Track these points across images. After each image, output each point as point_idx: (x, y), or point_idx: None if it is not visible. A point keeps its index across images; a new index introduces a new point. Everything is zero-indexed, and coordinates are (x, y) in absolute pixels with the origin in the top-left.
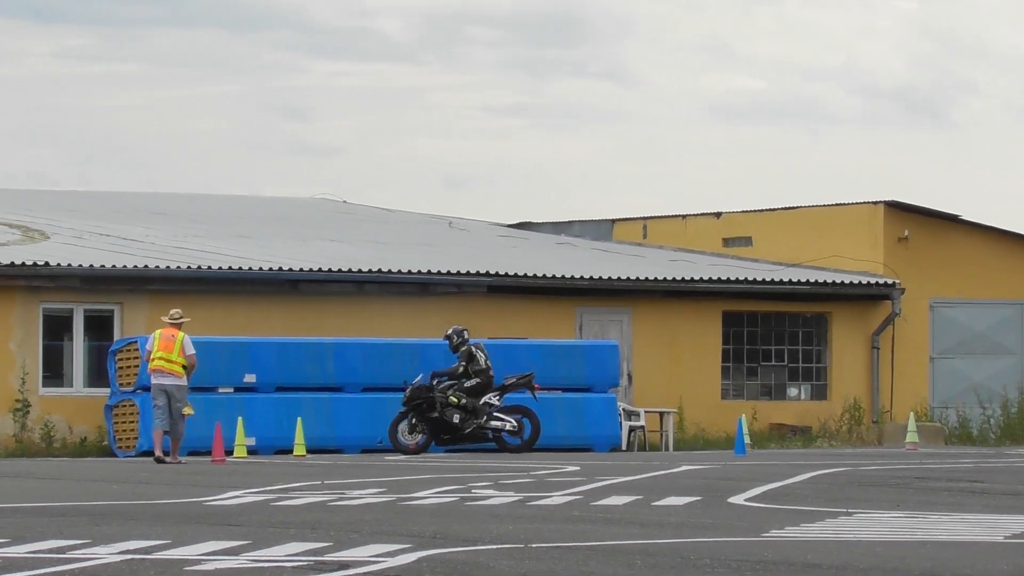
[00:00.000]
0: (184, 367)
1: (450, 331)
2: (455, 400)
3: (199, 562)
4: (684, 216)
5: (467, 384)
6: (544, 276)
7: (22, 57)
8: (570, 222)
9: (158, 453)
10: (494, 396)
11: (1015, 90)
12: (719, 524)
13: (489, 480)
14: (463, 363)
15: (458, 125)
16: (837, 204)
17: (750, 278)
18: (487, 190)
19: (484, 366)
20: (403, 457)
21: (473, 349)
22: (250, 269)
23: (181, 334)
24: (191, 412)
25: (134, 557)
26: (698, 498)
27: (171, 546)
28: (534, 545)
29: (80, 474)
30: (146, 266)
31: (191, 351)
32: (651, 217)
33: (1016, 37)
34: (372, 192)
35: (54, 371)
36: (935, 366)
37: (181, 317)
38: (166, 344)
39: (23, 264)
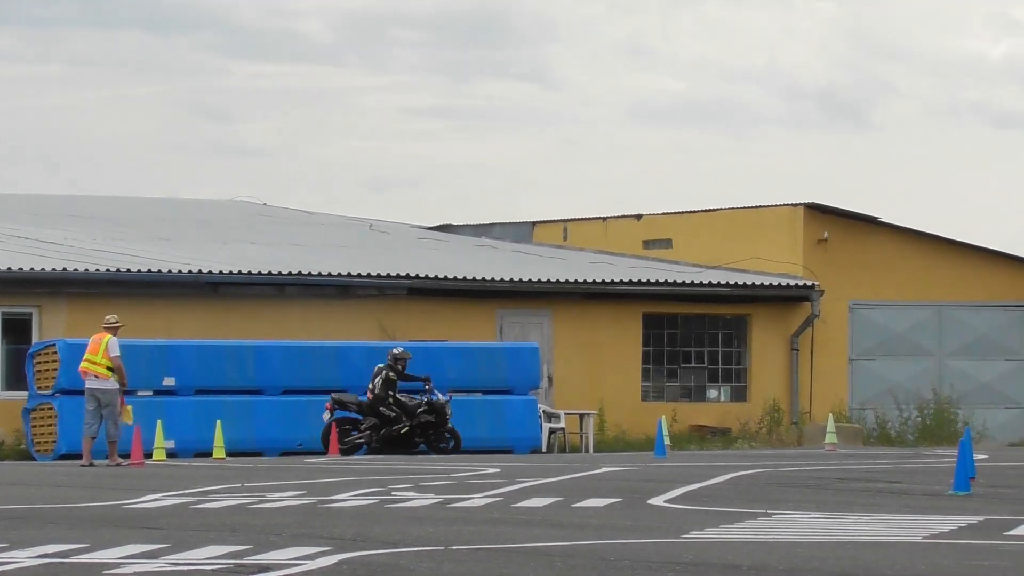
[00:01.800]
0: (110, 369)
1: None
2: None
3: (118, 566)
4: (604, 218)
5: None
6: (464, 278)
7: None
8: (491, 224)
9: (85, 461)
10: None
11: (935, 92)
12: (639, 526)
13: (409, 482)
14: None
15: (380, 127)
16: (757, 206)
17: (670, 280)
18: (409, 192)
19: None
20: (323, 459)
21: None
22: (169, 272)
23: (108, 336)
24: (129, 420)
25: (52, 561)
26: (618, 500)
27: (90, 550)
28: (454, 547)
29: None
30: (64, 269)
31: (115, 353)
32: (571, 219)
33: (936, 39)
34: (293, 194)
35: None
36: (854, 367)
37: (116, 323)
38: (93, 347)
39: None
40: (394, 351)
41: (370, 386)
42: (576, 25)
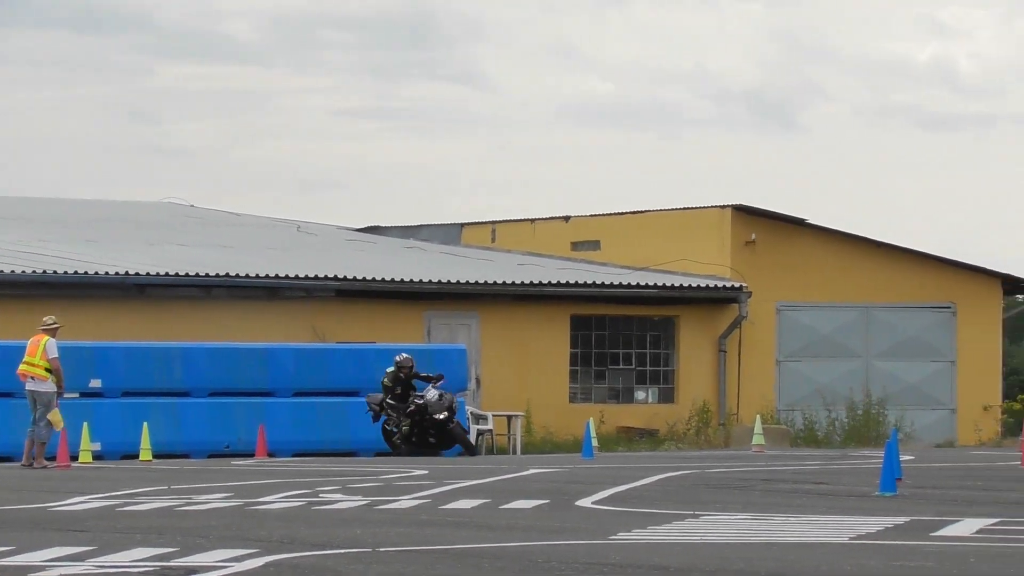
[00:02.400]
0: (47, 370)
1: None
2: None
3: (43, 568)
4: (533, 220)
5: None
6: (392, 280)
7: None
8: (419, 226)
9: (25, 461)
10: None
11: (863, 94)
12: (567, 527)
13: (337, 484)
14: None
15: (308, 128)
16: (685, 208)
17: (598, 282)
18: (337, 194)
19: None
20: (250, 462)
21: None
22: (97, 273)
23: (46, 338)
24: (59, 427)
25: None
26: (546, 501)
27: (15, 552)
28: (382, 549)
29: None
30: None
31: (53, 355)
32: (500, 221)
33: (864, 41)
34: (221, 196)
35: None
36: (781, 369)
37: (54, 323)
38: (31, 348)
39: None
40: (396, 357)
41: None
42: (505, 26)
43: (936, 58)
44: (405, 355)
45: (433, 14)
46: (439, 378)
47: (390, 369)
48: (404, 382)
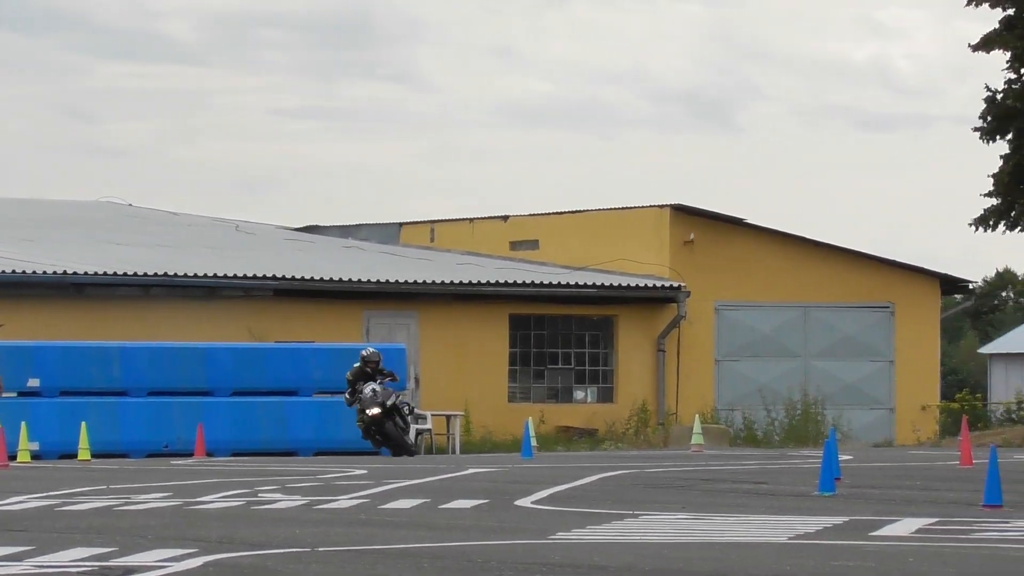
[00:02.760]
0: None
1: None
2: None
3: None
4: (471, 219)
5: None
6: (331, 279)
7: None
8: (358, 225)
9: None
10: None
11: (800, 94)
12: (506, 527)
13: (276, 484)
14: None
15: (247, 128)
16: (624, 207)
17: (537, 281)
18: (275, 193)
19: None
20: (189, 461)
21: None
22: (34, 273)
23: None
24: None
25: None
26: (485, 501)
27: None
28: (321, 549)
29: None
30: None
31: None
32: (438, 220)
33: (801, 41)
34: (160, 195)
35: None
36: (720, 368)
37: None
38: None
39: None
40: (362, 352)
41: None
42: (443, 26)
43: (873, 58)
44: (372, 350)
45: (371, 14)
46: (391, 376)
47: (356, 364)
48: (370, 377)
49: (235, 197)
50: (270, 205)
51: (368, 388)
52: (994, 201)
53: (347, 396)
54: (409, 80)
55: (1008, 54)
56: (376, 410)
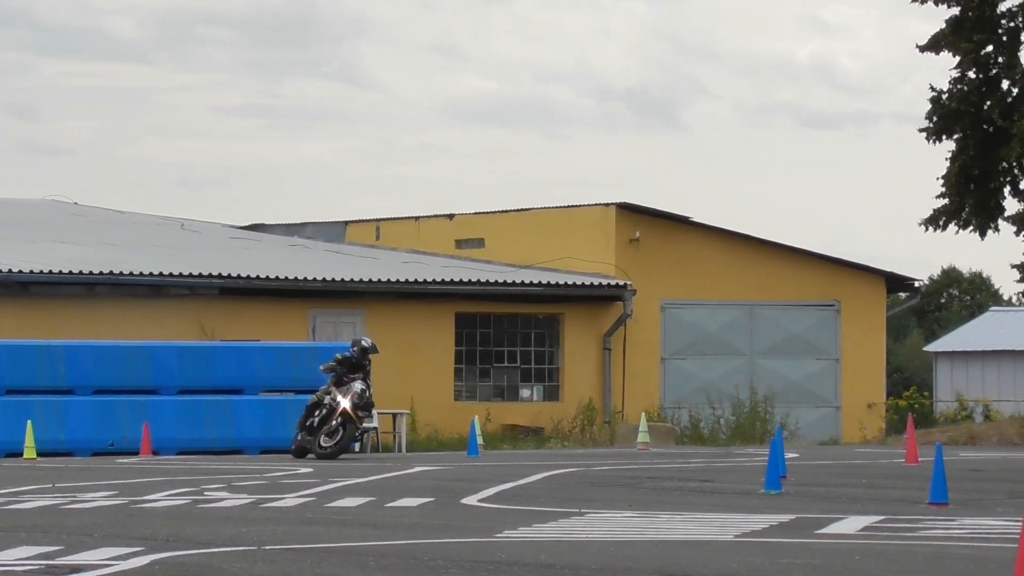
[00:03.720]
0: None
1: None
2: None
3: None
4: (417, 218)
5: None
6: (277, 278)
7: None
8: (303, 224)
9: None
10: None
11: (745, 92)
12: (452, 525)
13: (222, 482)
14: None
15: (191, 126)
16: (569, 206)
17: (483, 280)
18: (221, 191)
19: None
20: (135, 459)
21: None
22: None
23: None
24: None
25: None
26: (431, 499)
27: None
28: (267, 547)
29: None
30: None
31: None
32: (384, 219)
33: (746, 40)
34: (104, 193)
35: None
36: (666, 367)
37: None
38: None
39: None
40: (365, 342)
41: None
42: (386, 24)
43: (818, 56)
44: (371, 343)
45: (315, 12)
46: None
47: (353, 350)
48: (359, 369)
49: (180, 195)
50: (215, 203)
51: (358, 385)
52: (945, 201)
53: (333, 369)
54: (353, 78)
55: (957, 58)
56: (348, 407)
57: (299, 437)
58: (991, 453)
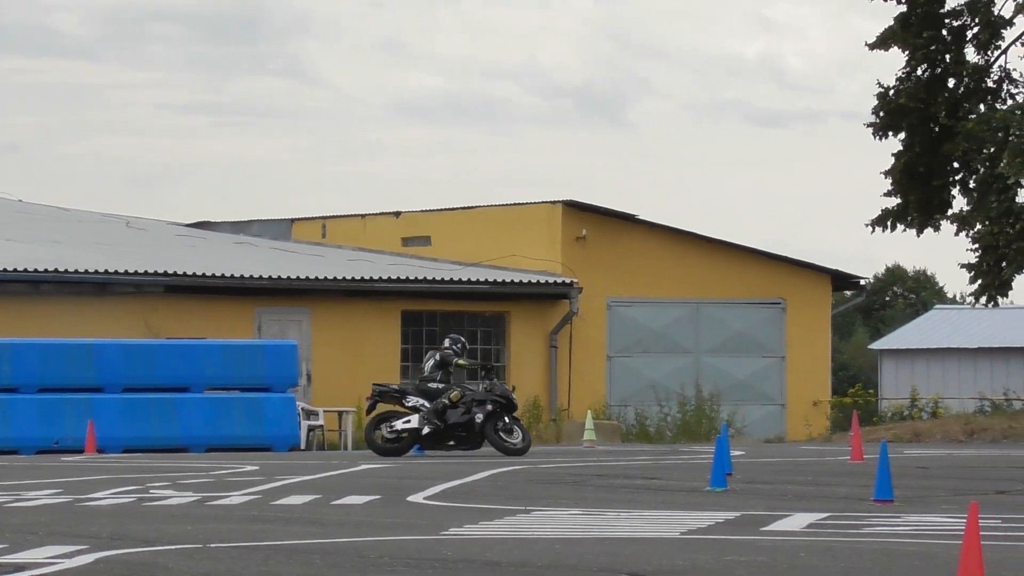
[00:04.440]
0: None
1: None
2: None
3: None
4: (363, 216)
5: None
6: (223, 276)
7: None
8: (249, 221)
9: None
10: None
11: (691, 90)
12: (399, 523)
13: (167, 480)
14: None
15: (137, 123)
16: (516, 204)
17: (429, 278)
18: (167, 189)
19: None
20: (80, 457)
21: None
22: None
23: None
24: None
25: None
26: (377, 497)
27: None
28: (213, 545)
29: None
30: None
31: None
32: (330, 216)
33: (692, 37)
34: (49, 190)
35: None
36: (612, 364)
37: None
38: None
39: None
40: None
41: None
42: (332, 21)
43: (765, 55)
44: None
45: (262, 9)
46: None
47: (446, 350)
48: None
49: (126, 193)
50: (161, 201)
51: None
52: (895, 200)
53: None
54: (299, 75)
55: (906, 55)
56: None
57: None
58: (936, 450)
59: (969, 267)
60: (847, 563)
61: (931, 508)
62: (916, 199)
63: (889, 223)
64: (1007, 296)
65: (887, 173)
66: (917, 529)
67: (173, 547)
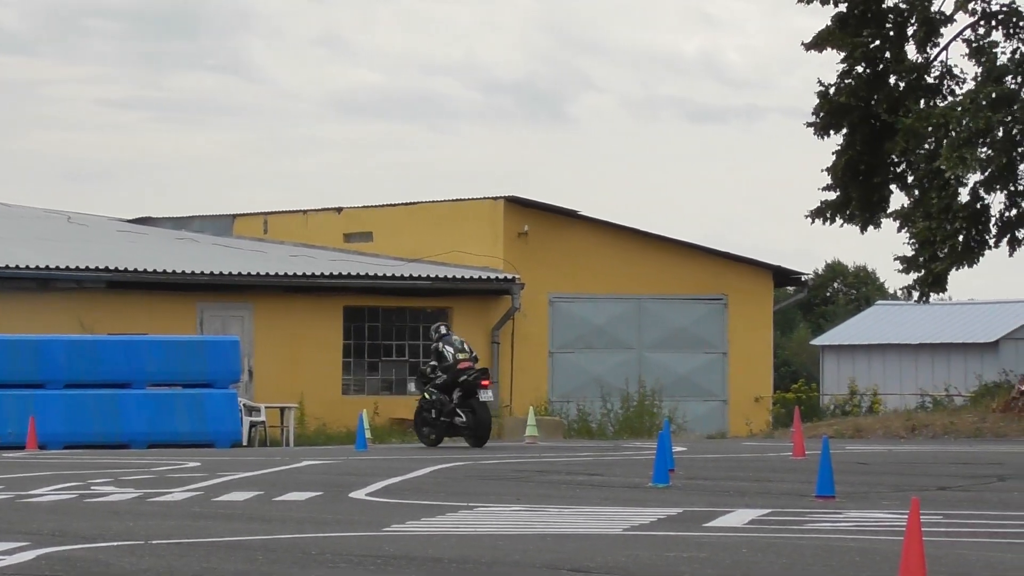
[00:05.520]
0: None
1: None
2: (427, 396)
3: None
4: (305, 211)
5: (437, 381)
6: (164, 271)
7: None
8: (190, 217)
9: None
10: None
11: (631, 85)
12: (341, 519)
13: (109, 477)
14: (432, 362)
15: (76, 118)
16: (458, 199)
17: (371, 273)
18: (107, 184)
19: (451, 362)
20: (21, 454)
21: (440, 346)
22: None
23: None
24: None
25: None
26: (320, 493)
27: None
28: (155, 542)
29: None
30: None
31: None
32: (272, 212)
33: (632, 33)
34: None
35: None
36: (554, 360)
37: None
38: None
39: None
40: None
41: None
42: (272, 17)
43: (703, 50)
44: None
45: (201, 4)
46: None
47: (456, 340)
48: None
49: (66, 188)
50: (101, 196)
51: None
52: (833, 195)
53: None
54: (239, 71)
55: (843, 54)
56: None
57: None
58: (877, 446)
59: (904, 260)
60: (789, 559)
61: (873, 504)
62: (858, 196)
63: (828, 215)
64: (943, 291)
65: (829, 171)
66: (859, 525)
67: (115, 543)
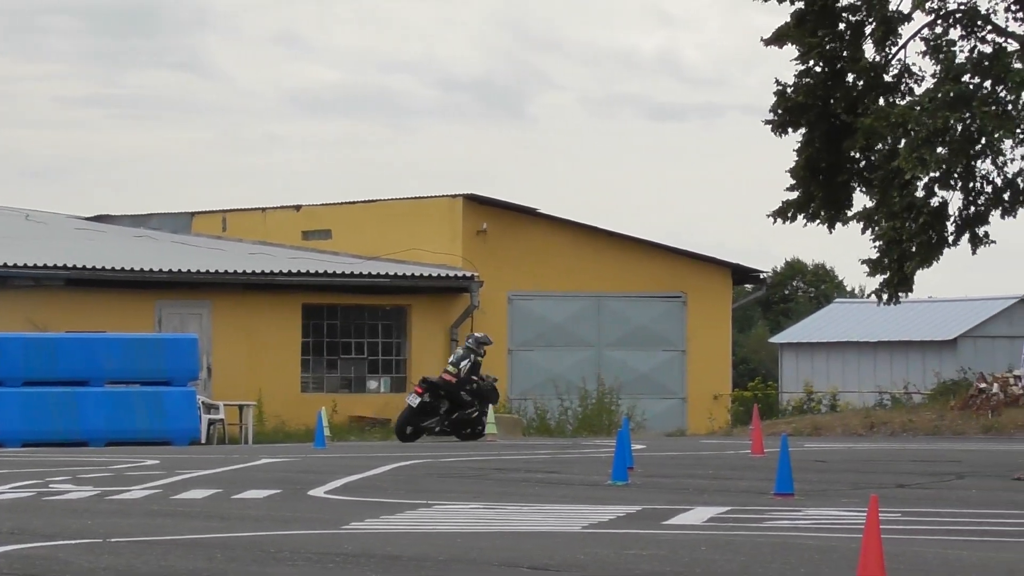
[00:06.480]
0: None
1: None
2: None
3: None
4: (263, 209)
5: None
6: (122, 269)
7: None
8: (148, 215)
9: None
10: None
11: (590, 83)
12: (299, 517)
13: (67, 475)
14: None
15: (33, 116)
16: (417, 197)
17: (329, 271)
18: (65, 182)
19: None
20: None
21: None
22: None
23: None
24: None
25: None
26: (278, 491)
27: None
28: (113, 540)
29: None
30: None
31: None
32: (230, 210)
33: (591, 31)
34: None
35: None
36: (513, 358)
37: None
38: None
39: None
40: (478, 335)
41: (453, 370)
42: (229, 14)
43: (662, 48)
44: (484, 334)
45: (159, 1)
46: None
47: (473, 348)
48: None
49: (23, 186)
50: (59, 194)
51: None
52: (794, 194)
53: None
54: (197, 68)
55: (801, 51)
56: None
57: None
58: (836, 444)
59: (870, 263)
60: (747, 556)
61: (831, 502)
62: (822, 195)
63: (790, 215)
64: (910, 292)
65: (791, 171)
66: (817, 523)
67: (73, 542)
